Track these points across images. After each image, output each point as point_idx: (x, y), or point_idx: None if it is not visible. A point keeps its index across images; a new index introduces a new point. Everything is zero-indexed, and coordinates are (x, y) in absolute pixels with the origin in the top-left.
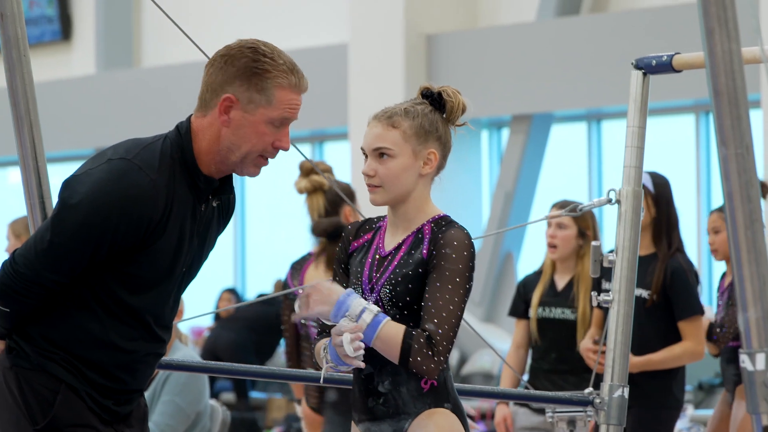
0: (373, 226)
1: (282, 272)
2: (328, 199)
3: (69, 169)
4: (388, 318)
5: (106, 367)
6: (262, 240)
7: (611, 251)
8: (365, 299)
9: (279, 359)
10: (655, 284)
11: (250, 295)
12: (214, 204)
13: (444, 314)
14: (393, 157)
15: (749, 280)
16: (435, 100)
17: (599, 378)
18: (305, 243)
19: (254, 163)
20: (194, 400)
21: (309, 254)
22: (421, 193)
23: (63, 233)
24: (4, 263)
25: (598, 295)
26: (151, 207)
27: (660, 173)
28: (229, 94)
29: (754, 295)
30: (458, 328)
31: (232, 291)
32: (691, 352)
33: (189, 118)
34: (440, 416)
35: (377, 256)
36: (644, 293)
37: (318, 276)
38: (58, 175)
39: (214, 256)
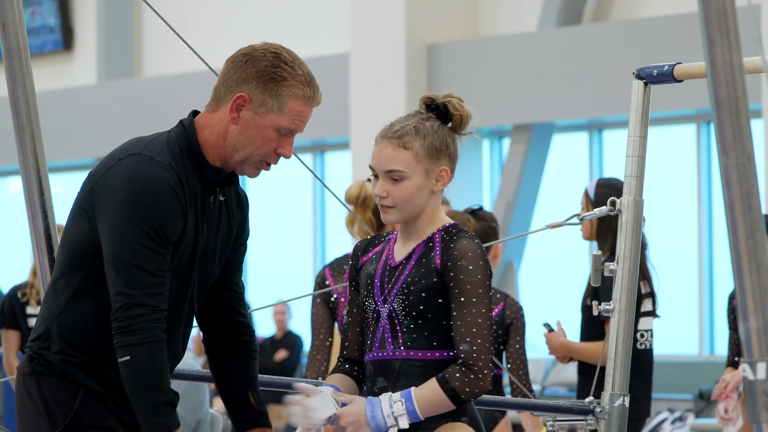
0: (382, 239)
1: (282, 282)
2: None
3: (70, 178)
4: (411, 389)
5: None
6: (263, 250)
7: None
8: (377, 310)
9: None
10: (588, 288)
11: (254, 304)
12: (221, 198)
13: (474, 330)
14: (406, 179)
15: (750, 289)
16: (441, 112)
17: (600, 387)
18: (306, 251)
19: (255, 165)
20: (194, 408)
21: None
22: (432, 207)
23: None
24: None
25: (599, 304)
26: (179, 191)
27: (609, 179)
28: (243, 92)
29: (755, 305)
30: (491, 336)
31: None
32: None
33: (193, 113)
34: (458, 431)
35: (388, 267)
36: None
37: None
38: (59, 184)
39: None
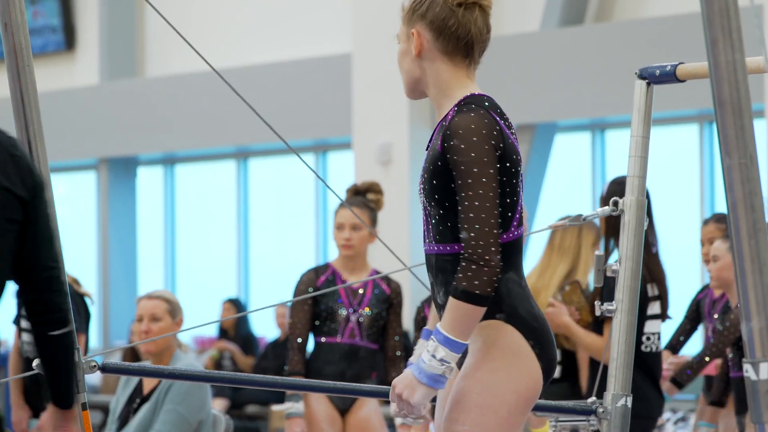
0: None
1: (285, 283)
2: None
3: (72, 178)
4: (436, 327)
5: None
6: (266, 250)
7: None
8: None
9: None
10: (596, 289)
11: (254, 305)
12: None
13: (472, 214)
14: (399, 44)
15: (752, 289)
16: None
17: (602, 387)
18: (308, 252)
19: None
20: (196, 409)
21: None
22: (439, 77)
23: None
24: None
25: (602, 304)
26: None
27: (624, 177)
28: None
29: (757, 305)
30: (495, 219)
31: (233, 301)
32: (599, 348)
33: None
34: (489, 330)
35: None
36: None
37: None
38: (61, 184)
39: (215, 266)
